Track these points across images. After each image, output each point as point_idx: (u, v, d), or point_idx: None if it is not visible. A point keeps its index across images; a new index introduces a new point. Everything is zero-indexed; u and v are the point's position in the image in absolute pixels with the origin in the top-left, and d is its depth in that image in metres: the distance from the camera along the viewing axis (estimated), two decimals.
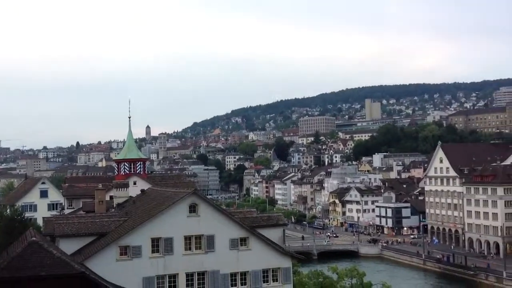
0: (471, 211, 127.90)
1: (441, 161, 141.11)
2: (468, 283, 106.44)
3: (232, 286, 34.50)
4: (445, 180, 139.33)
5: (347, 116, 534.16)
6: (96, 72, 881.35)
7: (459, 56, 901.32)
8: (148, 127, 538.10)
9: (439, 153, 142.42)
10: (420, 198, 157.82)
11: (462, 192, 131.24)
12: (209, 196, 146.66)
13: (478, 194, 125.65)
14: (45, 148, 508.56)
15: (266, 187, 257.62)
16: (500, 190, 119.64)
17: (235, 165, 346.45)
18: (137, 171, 58.71)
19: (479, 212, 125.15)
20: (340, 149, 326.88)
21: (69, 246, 32.54)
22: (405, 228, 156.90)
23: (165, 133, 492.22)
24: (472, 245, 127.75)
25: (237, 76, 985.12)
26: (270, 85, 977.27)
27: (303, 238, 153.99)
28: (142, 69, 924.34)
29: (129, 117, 62.64)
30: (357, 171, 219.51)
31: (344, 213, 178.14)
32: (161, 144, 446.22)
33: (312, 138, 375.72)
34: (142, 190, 44.43)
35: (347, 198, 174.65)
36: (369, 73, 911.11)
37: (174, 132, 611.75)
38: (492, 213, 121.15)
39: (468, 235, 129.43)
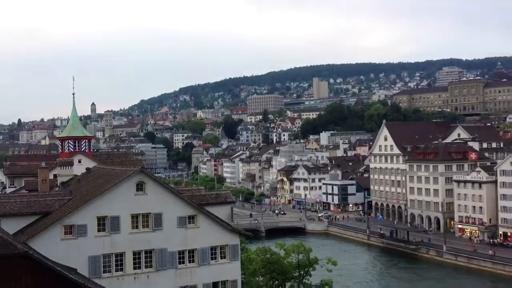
0: (413, 188, 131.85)
1: (385, 139, 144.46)
2: (410, 257, 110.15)
3: (180, 263, 34.48)
4: (389, 157, 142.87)
5: (295, 95, 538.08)
6: (38, 47, 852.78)
7: (404, 36, 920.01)
8: (93, 104, 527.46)
9: (384, 132, 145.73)
10: (365, 175, 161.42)
11: (405, 169, 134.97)
12: (157, 175, 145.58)
13: (420, 171, 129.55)
14: None
15: (215, 165, 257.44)
16: (441, 167, 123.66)
17: (183, 143, 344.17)
18: (82, 149, 57.37)
19: (421, 188, 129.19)
20: (288, 127, 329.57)
21: (11, 226, 31.64)
22: (350, 205, 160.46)
23: (111, 110, 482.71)
24: (414, 221, 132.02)
25: (185, 53, 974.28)
26: (218, 63, 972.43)
27: (251, 215, 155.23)
28: (86, 45, 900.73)
29: (73, 94, 60.94)
30: (305, 149, 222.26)
31: (291, 191, 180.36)
32: (107, 122, 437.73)
33: (261, 117, 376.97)
34: (88, 169, 43.52)
35: (295, 176, 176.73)
36: (317, 52, 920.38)
37: (120, 109, 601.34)
38: (434, 189, 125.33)
39: (410, 211, 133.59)
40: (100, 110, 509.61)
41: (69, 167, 45.45)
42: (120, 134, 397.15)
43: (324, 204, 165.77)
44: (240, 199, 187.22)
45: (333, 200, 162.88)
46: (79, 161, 51.88)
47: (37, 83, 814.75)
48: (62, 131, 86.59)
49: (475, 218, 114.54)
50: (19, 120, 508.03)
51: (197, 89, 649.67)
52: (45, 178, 43.01)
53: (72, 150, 57.16)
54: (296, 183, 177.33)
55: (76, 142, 57.85)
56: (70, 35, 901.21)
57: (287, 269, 47.40)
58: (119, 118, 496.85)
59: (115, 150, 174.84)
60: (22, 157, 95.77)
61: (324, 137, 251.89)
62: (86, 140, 58.99)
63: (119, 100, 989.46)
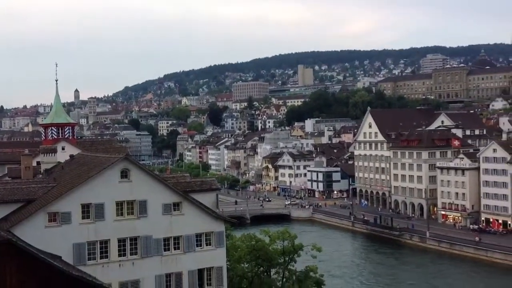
0: (397, 175, 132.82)
1: (370, 126, 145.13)
2: (394, 243, 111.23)
3: (165, 250, 34.46)
4: (373, 144, 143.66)
5: (280, 82, 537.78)
6: (20, 33, 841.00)
7: (389, 24, 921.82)
8: (76, 91, 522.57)
9: (368, 119, 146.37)
10: (350, 162, 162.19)
11: (389, 156, 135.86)
12: (141, 162, 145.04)
13: (404, 158, 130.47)
14: None
15: (200, 153, 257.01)
16: (424, 154, 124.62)
17: (168, 130, 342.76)
18: (66, 136, 56.87)
19: (405, 175, 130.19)
20: (273, 114, 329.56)
21: None
22: (335, 192, 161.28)
23: (95, 97, 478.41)
24: (398, 207, 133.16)
25: (169, 40, 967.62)
26: (203, 49, 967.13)
27: (236, 203, 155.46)
28: (69, 31, 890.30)
29: (56, 80, 60.29)
30: (290, 136, 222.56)
31: (276, 178, 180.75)
32: (90, 109, 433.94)
33: (246, 104, 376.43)
34: (71, 156, 43.16)
35: (280, 163, 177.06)
36: (302, 39, 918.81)
37: (104, 96, 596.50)
38: (417, 176, 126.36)
39: (394, 198, 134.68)
40: (83, 96, 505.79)
41: (53, 154, 45.01)
42: (104, 121, 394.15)
43: (309, 191, 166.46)
44: (225, 186, 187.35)
45: (318, 187, 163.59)
46: (63, 148, 51.44)
47: (19, 69, 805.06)
48: (45, 118, 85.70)
49: (458, 205, 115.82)
50: (2, 107, 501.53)
51: (182, 76, 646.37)
52: (29, 165, 42.55)
53: (56, 137, 56.68)
54: (281, 170, 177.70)
55: (60, 129, 57.35)
56: (53, 21, 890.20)
57: (272, 255, 47.59)
58: (103, 105, 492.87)
59: (99, 137, 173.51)
60: (5, 144, 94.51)
61: (309, 124, 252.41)
62: (70, 127, 58.51)
63: (103, 87, 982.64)
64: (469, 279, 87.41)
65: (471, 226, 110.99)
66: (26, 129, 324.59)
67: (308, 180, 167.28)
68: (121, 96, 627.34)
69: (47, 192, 33.76)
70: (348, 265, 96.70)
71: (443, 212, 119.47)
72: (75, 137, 61.34)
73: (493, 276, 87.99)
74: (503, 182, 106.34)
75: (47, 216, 31.48)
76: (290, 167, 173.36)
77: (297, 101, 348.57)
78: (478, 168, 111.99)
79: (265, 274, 48.53)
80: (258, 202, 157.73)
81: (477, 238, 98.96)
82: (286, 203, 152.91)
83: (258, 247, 47.40)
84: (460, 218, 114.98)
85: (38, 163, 47.18)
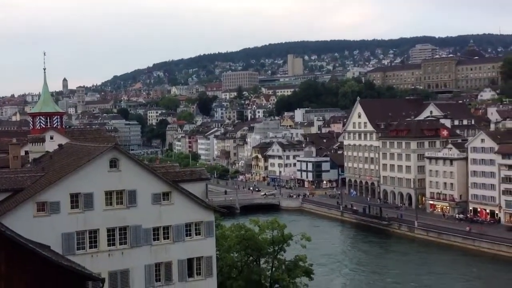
0: (386, 165, 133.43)
1: (359, 116, 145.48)
2: (382, 232, 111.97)
3: (154, 240, 34.40)
4: (362, 134, 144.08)
5: (270, 72, 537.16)
6: (8, 21, 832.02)
7: (378, 14, 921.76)
8: (65, 80, 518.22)
9: (358, 109, 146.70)
10: (339, 152, 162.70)
11: (378, 146, 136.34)
12: (131, 151, 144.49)
13: (393, 148, 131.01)
14: None
15: (189, 142, 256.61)
16: (413, 144, 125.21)
17: (157, 120, 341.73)
18: (54, 126, 56.43)
19: (394, 165, 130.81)
20: (263, 104, 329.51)
21: None
22: (324, 182, 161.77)
23: (84, 86, 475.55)
24: (387, 197, 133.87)
25: (159, 29, 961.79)
26: (192, 39, 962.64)
27: (226, 192, 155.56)
28: (58, 19, 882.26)
29: (44, 69, 59.64)
30: (279, 126, 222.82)
31: (266, 168, 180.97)
32: (79, 98, 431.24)
33: (235, 93, 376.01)
34: (60, 145, 42.84)
35: (270, 152, 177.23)
36: (292, 28, 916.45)
37: (93, 85, 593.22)
38: (406, 166, 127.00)
39: (383, 187, 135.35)
40: (72, 86, 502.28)
41: (41, 143, 44.70)
42: (93, 110, 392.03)
43: (299, 181, 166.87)
44: (215, 176, 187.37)
45: (307, 177, 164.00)
46: (51, 138, 51.08)
47: (7, 58, 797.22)
48: (33, 107, 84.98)
49: (446, 194, 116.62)
50: None
51: (171, 65, 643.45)
52: (17, 155, 42.22)
53: (44, 126, 56.26)
54: (270, 160, 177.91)
55: (48, 118, 56.91)
56: (41, 9, 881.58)
57: (261, 245, 47.71)
58: (91, 94, 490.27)
59: (88, 127, 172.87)
60: None
61: (298, 114, 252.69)
62: (58, 116, 58.07)
63: (92, 76, 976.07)
64: (455, 267, 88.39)
65: (456, 215, 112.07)
66: (14, 118, 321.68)
67: (298, 170, 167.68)
68: (110, 85, 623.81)
69: (35, 182, 33.54)
70: (335, 254, 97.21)
71: (431, 202, 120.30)
72: (63, 126, 60.92)
73: (479, 264, 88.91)
74: (491, 172, 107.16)
75: (36, 206, 31.27)
76: (279, 157, 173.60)
77: (287, 91, 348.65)
78: (466, 158, 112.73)
79: (255, 263, 48.67)
80: (248, 192, 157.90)
81: (468, 228, 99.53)
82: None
83: (248, 236, 47.48)
84: (448, 208, 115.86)
85: (26, 152, 46.89)
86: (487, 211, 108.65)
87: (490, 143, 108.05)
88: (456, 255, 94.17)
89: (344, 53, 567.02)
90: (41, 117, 57.09)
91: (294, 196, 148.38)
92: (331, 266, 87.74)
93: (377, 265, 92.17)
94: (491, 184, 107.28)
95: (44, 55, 59.33)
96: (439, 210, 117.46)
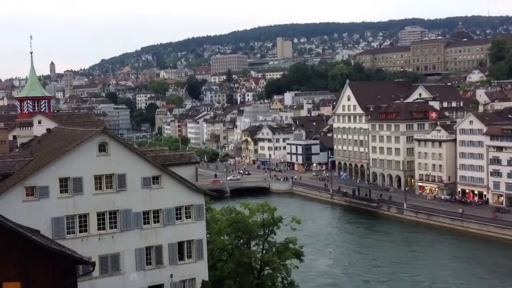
0: (375, 147, 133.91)
1: (348, 99, 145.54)
2: (372, 214, 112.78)
3: (145, 224, 34.44)
4: (352, 117, 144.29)
5: (259, 55, 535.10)
6: None
7: None
8: (52, 64, 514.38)
9: (347, 91, 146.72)
10: (329, 135, 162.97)
11: (368, 129, 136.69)
12: (120, 136, 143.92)
13: (382, 131, 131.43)
14: None
15: (179, 126, 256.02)
16: (402, 127, 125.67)
17: (146, 104, 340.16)
18: (42, 110, 56.01)
19: (383, 147, 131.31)
20: (252, 87, 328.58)
21: None
22: (314, 164, 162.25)
23: (71, 70, 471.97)
24: (376, 179, 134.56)
25: (147, 12, 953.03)
26: (181, 21, 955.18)
27: (215, 176, 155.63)
28: (44, 2, 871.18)
29: (31, 53, 59.02)
30: (269, 109, 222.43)
31: (256, 151, 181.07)
32: (67, 82, 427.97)
33: (225, 77, 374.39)
34: (48, 129, 42.59)
35: (259, 136, 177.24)
36: (281, 11, 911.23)
37: (80, 69, 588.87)
38: (395, 148, 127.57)
39: (372, 170, 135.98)
40: (59, 69, 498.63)
41: (29, 128, 44.45)
42: (81, 94, 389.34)
43: (289, 164, 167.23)
44: (205, 160, 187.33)
45: (297, 160, 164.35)
46: (39, 122, 50.74)
47: None
48: (20, 91, 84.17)
49: (434, 176, 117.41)
50: None
51: (159, 49, 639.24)
52: (4, 140, 42.00)
53: (32, 110, 55.85)
54: (260, 143, 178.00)
55: (36, 102, 56.49)
56: None
57: (252, 228, 47.84)
58: (79, 78, 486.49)
59: (76, 111, 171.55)
60: None
61: (288, 97, 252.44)
62: (46, 101, 57.64)
63: (79, 60, 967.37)
64: (439, 247, 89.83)
65: (442, 196, 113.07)
66: (1, 103, 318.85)
67: (288, 153, 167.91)
68: (98, 69, 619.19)
69: (24, 166, 33.35)
70: (322, 235, 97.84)
71: (420, 184, 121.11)
72: (51, 110, 60.49)
73: (464, 244, 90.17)
74: (479, 154, 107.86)
75: (25, 191, 31.16)
76: (269, 140, 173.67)
77: (276, 74, 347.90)
78: (454, 140, 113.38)
79: (245, 246, 48.83)
80: (238, 175, 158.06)
81: (460, 210, 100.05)
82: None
83: (238, 219, 47.58)
84: (436, 189, 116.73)
85: (14, 137, 46.60)
86: (475, 192, 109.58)
87: (479, 125, 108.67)
88: (443, 235, 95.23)
89: (333, 35, 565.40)
90: (28, 101, 56.64)
91: (281, 179, 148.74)
92: (317, 246, 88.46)
93: (361, 245, 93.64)
94: (479, 166, 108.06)
95: (31, 38, 58.74)
96: (428, 192, 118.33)
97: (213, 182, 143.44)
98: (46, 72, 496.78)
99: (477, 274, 75.68)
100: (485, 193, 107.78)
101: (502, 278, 73.87)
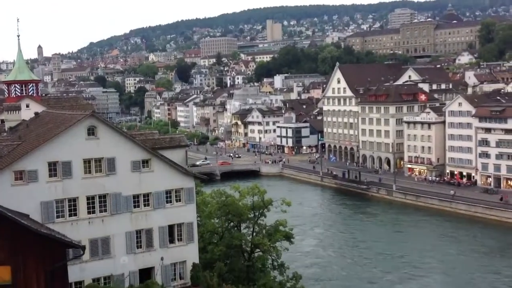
0: (365, 129, 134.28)
1: (338, 82, 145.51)
2: (362, 196, 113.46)
3: (135, 207, 34.41)
4: (342, 100, 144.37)
5: (248, 37, 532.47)
6: None
7: None
8: (40, 47, 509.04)
9: (337, 74, 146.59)
10: (319, 118, 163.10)
11: (358, 112, 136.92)
12: (109, 119, 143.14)
13: (372, 113, 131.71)
14: None
15: (168, 110, 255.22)
16: (392, 109, 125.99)
17: (135, 87, 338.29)
18: (30, 94, 55.44)
19: (373, 130, 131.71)
20: (242, 70, 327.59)
21: None
22: (304, 147, 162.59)
23: (59, 53, 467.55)
24: (366, 162, 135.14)
25: None
26: (170, 4, 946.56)
27: (206, 159, 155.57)
28: None
29: (18, 36, 58.25)
30: (259, 92, 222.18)
31: (246, 134, 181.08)
32: (55, 66, 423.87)
33: (214, 60, 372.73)
34: (36, 113, 42.28)
35: (249, 119, 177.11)
36: None
37: (68, 52, 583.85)
38: (385, 130, 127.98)
39: (362, 152, 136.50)
40: (47, 53, 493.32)
41: (17, 111, 44.07)
42: (69, 78, 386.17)
43: (279, 147, 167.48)
44: (195, 143, 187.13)
45: (287, 143, 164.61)
46: (27, 106, 50.23)
47: None
48: (7, 75, 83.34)
49: (423, 158, 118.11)
50: None
51: (148, 32, 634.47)
52: None
53: (19, 94, 55.23)
54: (250, 127, 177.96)
55: (23, 86, 55.82)
56: None
57: (242, 211, 47.93)
58: (67, 62, 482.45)
59: (65, 95, 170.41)
60: None
61: (278, 80, 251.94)
62: (34, 84, 57.01)
63: (67, 43, 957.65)
64: (424, 227, 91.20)
65: (429, 177, 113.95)
66: None
67: (278, 136, 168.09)
68: (86, 52, 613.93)
69: (12, 150, 33.13)
70: (310, 217, 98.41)
71: (409, 166, 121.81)
72: (39, 94, 59.93)
73: (451, 224, 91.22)
74: (468, 135, 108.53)
75: (13, 175, 31.00)
76: (259, 123, 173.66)
77: (266, 57, 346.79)
78: (443, 122, 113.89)
79: (235, 229, 49.00)
80: (228, 158, 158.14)
81: (452, 192, 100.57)
82: (257, 159, 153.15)
83: (228, 202, 47.64)
84: (425, 171, 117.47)
85: (2, 121, 46.22)
86: (464, 173, 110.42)
87: (468, 107, 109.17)
88: (430, 216, 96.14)
89: (323, 18, 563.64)
90: (16, 85, 56.00)
91: (269, 162, 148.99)
92: (304, 227, 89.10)
93: (348, 226, 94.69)
94: (468, 147, 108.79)
95: (18, 21, 57.94)
96: (417, 174, 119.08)
97: (222, 164, 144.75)
98: (34, 55, 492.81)
99: (457, 252, 77.33)
100: (473, 174, 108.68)
101: (481, 256, 75.70)
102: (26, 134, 36.73)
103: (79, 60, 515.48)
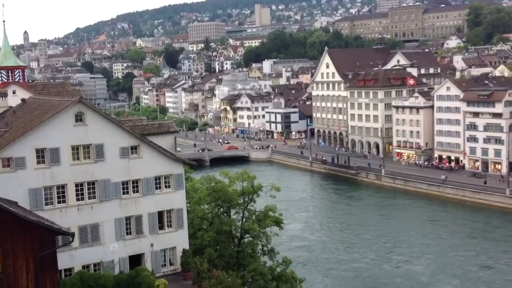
0: (354, 114, 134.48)
1: (327, 67, 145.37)
2: (351, 181, 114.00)
3: (124, 194, 34.26)
4: (331, 85, 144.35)
5: (237, 22, 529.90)
6: None
7: None
8: (25, 32, 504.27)
9: (326, 59, 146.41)
10: (308, 103, 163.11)
11: (346, 96, 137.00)
12: (97, 106, 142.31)
13: (361, 98, 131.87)
14: None
15: (157, 96, 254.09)
16: (380, 94, 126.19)
17: (123, 73, 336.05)
18: (16, 80, 54.87)
19: (362, 115, 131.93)
20: (231, 55, 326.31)
21: None
22: (293, 133, 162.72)
23: (46, 39, 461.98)
24: (355, 146, 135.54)
25: None
26: None
27: (195, 145, 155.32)
28: None
29: (3, 21, 57.47)
30: (248, 77, 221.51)
31: (235, 120, 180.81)
32: (41, 51, 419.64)
33: (202, 45, 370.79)
34: (23, 100, 41.83)
35: (238, 104, 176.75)
36: None
37: (55, 38, 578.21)
38: (373, 115, 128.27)
39: (351, 137, 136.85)
40: (33, 39, 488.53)
41: (3, 98, 43.60)
42: (56, 64, 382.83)
43: (268, 132, 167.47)
44: (184, 129, 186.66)
45: (276, 128, 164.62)
46: (14, 92, 49.68)
47: None
48: None
49: (412, 143, 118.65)
50: None
51: (136, 17, 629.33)
52: None
53: (5, 80, 54.59)
54: (239, 112, 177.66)
55: (9, 72, 55.17)
56: None
57: (231, 196, 47.85)
58: (54, 47, 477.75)
59: (52, 81, 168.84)
60: None
61: (266, 65, 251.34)
62: (20, 70, 56.37)
63: (53, 28, 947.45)
64: (409, 211, 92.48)
65: (417, 161, 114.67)
66: None
67: (267, 122, 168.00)
68: (73, 37, 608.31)
69: None
70: (297, 201, 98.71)
71: (398, 150, 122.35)
72: (26, 80, 59.30)
73: (436, 208, 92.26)
74: (456, 120, 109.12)
75: (0, 162, 30.70)
76: (248, 109, 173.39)
77: (255, 42, 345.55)
78: (432, 107, 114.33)
79: (225, 214, 48.96)
80: (217, 144, 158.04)
81: (443, 176, 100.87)
82: (246, 144, 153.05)
83: (218, 188, 47.51)
84: (414, 155, 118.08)
85: None
86: (452, 158, 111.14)
87: (456, 91, 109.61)
88: (416, 200, 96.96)
89: (311, 2, 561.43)
90: (2, 71, 55.33)
91: (257, 147, 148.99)
92: (292, 211, 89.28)
93: (335, 210, 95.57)
94: (456, 132, 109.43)
95: (3, 6, 57.09)
96: (405, 158, 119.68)
97: (229, 148, 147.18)
98: (20, 41, 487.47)
99: (441, 235, 78.34)
100: (461, 158, 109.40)
101: (461, 238, 76.97)
102: (13, 120, 36.34)
103: (65, 46, 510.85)
